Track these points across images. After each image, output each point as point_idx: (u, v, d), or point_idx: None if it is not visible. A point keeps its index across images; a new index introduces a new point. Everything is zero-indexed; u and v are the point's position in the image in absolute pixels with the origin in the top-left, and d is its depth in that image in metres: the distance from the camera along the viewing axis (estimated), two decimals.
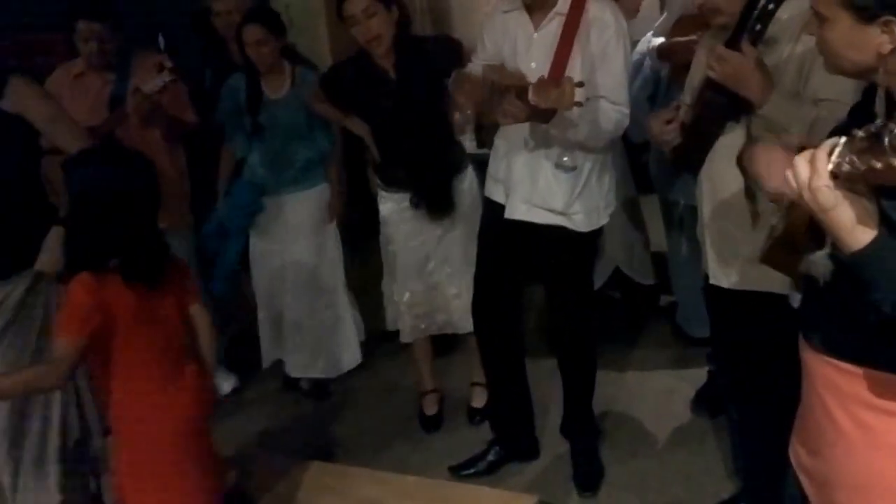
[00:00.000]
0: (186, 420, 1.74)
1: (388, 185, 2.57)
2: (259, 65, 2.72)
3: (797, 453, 1.35)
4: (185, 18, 3.88)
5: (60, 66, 2.81)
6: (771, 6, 1.62)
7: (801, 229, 1.16)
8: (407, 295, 2.60)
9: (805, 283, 1.27)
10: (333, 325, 2.92)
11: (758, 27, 1.63)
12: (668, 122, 1.83)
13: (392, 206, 2.57)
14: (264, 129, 2.76)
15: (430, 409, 2.76)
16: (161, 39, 2.67)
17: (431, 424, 2.72)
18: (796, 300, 1.42)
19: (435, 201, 2.48)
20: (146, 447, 1.72)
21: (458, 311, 2.59)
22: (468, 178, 2.58)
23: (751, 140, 1.67)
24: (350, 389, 3.05)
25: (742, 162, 1.46)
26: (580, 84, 1.82)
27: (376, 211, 2.70)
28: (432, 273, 2.58)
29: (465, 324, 2.57)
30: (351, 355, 2.96)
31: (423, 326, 2.64)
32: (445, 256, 2.57)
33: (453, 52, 2.37)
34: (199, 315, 1.83)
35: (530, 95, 1.82)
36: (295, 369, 2.96)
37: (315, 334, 2.90)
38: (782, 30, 1.65)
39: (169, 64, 2.52)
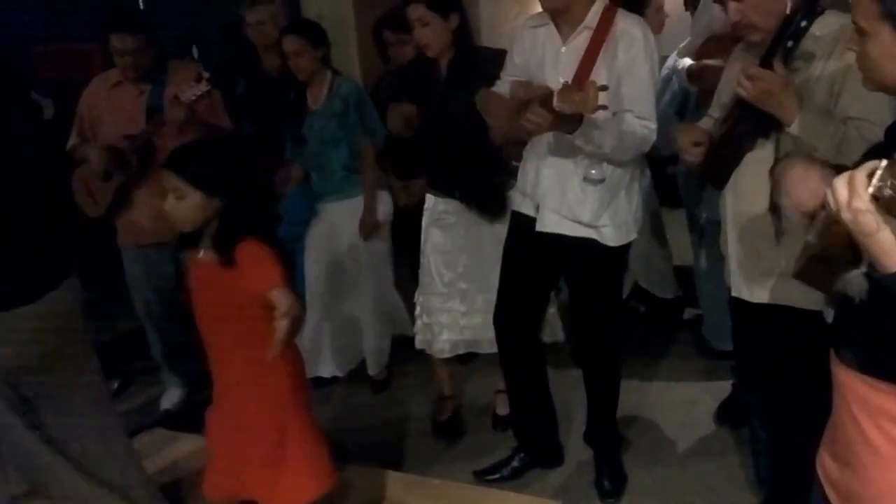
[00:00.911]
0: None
1: (432, 187, 2.61)
2: (298, 74, 2.79)
3: (825, 466, 1.35)
4: (217, 29, 3.98)
5: (97, 77, 2.90)
6: (804, 23, 1.63)
7: (837, 247, 1.15)
8: (421, 298, 2.64)
9: (839, 300, 1.26)
10: (377, 325, 3.02)
11: (790, 44, 1.64)
12: (696, 144, 1.84)
13: (435, 206, 2.59)
14: (306, 140, 2.85)
15: (443, 414, 2.79)
16: (195, 49, 2.75)
17: (443, 430, 2.75)
18: (830, 315, 1.41)
19: (486, 203, 2.49)
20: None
21: (463, 330, 2.61)
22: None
23: (781, 155, 1.69)
24: (379, 394, 3.12)
25: (774, 175, 1.46)
26: (604, 87, 1.81)
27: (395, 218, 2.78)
28: (450, 282, 2.59)
29: (475, 343, 2.61)
30: (381, 356, 3.07)
31: (443, 338, 2.63)
32: (469, 270, 2.57)
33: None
34: (276, 298, 1.75)
35: (555, 101, 1.82)
36: (336, 367, 3.06)
37: (351, 333, 3.00)
38: (815, 46, 1.66)
39: (206, 74, 2.62)
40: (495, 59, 2.39)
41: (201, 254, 1.80)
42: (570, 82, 1.91)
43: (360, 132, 2.86)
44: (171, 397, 3.14)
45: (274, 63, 3.04)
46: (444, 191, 2.54)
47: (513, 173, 2.52)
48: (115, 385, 3.39)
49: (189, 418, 2.71)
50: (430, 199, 2.62)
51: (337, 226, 2.95)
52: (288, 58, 2.77)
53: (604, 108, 1.82)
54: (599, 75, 2.02)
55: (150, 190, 2.76)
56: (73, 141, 2.89)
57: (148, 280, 2.93)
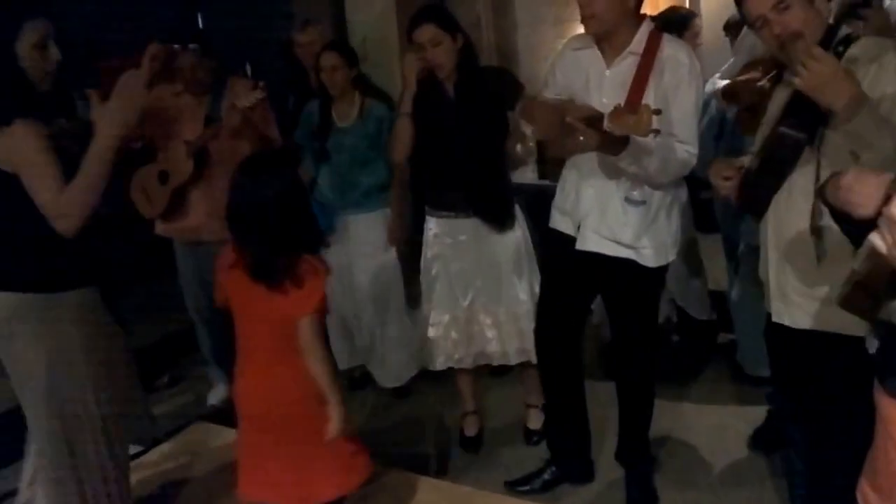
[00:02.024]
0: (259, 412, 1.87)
1: (436, 208, 2.62)
2: (331, 89, 2.91)
3: (866, 498, 1.34)
4: (268, 48, 4.15)
5: (162, 84, 3.02)
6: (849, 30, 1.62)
7: (883, 277, 1.13)
8: (446, 317, 2.62)
9: (884, 328, 1.25)
10: (394, 338, 3.07)
11: (840, 48, 1.63)
12: (727, 178, 1.84)
13: (437, 229, 2.60)
14: (329, 154, 2.94)
15: (471, 430, 2.80)
16: (248, 67, 2.89)
17: (471, 445, 2.76)
18: (873, 345, 1.39)
19: (499, 216, 2.52)
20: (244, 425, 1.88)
21: (492, 341, 2.61)
22: (519, 216, 2.59)
23: (822, 177, 1.68)
24: (412, 398, 3.17)
25: (819, 194, 1.45)
26: (657, 111, 1.81)
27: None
28: (471, 301, 2.60)
29: (502, 356, 2.62)
30: (409, 367, 3.11)
31: (456, 356, 2.65)
32: (484, 285, 2.58)
33: (511, 84, 2.45)
34: (303, 328, 1.81)
35: (606, 122, 1.82)
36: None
37: (377, 345, 3.06)
38: (863, 52, 1.64)
39: (261, 83, 2.75)
40: (500, 78, 2.46)
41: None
42: (621, 105, 1.91)
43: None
44: (217, 394, 3.24)
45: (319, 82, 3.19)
46: (456, 210, 2.55)
47: (534, 191, 2.61)
48: (166, 379, 3.54)
49: (233, 414, 2.82)
50: (433, 222, 2.61)
51: (355, 238, 3.01)
52: (323, 72, 2.89)
53: (656, 132, 1.82)
54: (647, 99, 2.02)
55: (204, 192, 2.93)
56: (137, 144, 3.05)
57: (199, 278, 3.05)
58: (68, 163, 1.89)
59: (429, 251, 2.63)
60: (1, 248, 1.93)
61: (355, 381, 3.27)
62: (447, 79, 2.47)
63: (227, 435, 2.70)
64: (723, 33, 3.35)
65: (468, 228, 2.55)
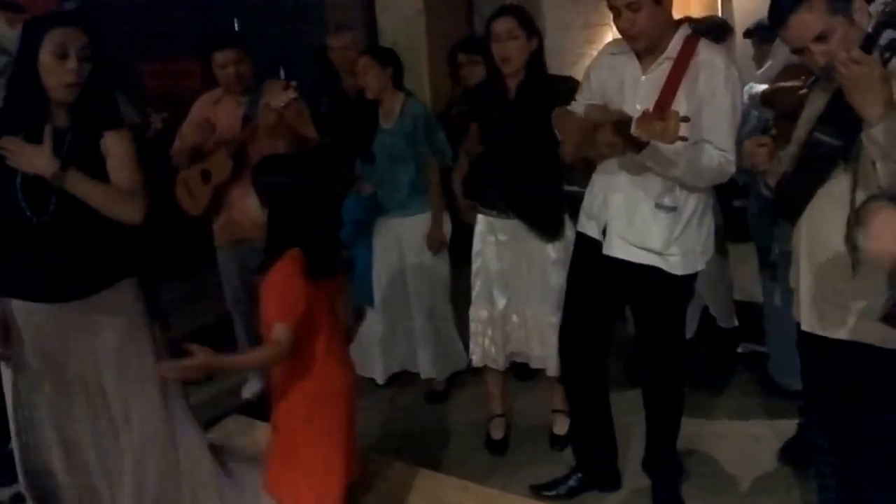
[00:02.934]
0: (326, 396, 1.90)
1: (482, 205, 2.64)
2: (367, 92, 2.98)
3: None
4: (302, 52, 4.22)
5: (204, 95, 3.16)
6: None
7: None
8: (485, 314, 2.66)
9: None
10: (440, 334, 3.13)
11: (886, 55, 1.60)
12: (760, 145, 1.82)
13: (482, 226, 2.63)
14: (374, 155, 3.00)
15: (497, 433, 2.80)
16: (282, 71, 2.97)
17: (497, 448, 2.76)
18: None
19: (544, 223, 2.52)
20: (334, 403, 1.91)
21: (521, 342, 2.63)
22: (568, 224, 2.57)
23: (858, 187, 1.66)
24: (442, 401, 3.20)
25: (858, 216, 1.45)
26: (685, 119, 1.80)
27: (462, 236, 2.84)
28: (510, 299, 2.62)
29: (530, 356, 2.63)
30: (460, 359, 3.17)
31: (493, 352, 2.67)
32: (521, 288, 2.59)
33: (574, 92, 2.39)
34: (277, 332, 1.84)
35: (633, 128, 1.81)
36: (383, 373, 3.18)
37: (435, 339, 3.12)
38: None
39: (294, 83, 2.82)
40: (565, 88, 2.44)
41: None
42: (650, 110, 1.90)
43: (426, 151, 2.99)
44: (251, 387, 3.30)
45: (352, 85, 3.24)
46: (499, 210, 2.57)
47: (569, 197, 2.57)
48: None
49: (267, 408, 2.87)
50: (482, 220, 2.65)
51: (401, 240, 3.07)
52: (359, 75, 2.97)
53: (684, 139, 1.81)
54: (679, 104, 2.01)
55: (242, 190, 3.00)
56: (177, 144, 3.13)
57: (238, 274, 3.13)
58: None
59: (475, 247, 2.67)
60: None
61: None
62: (512, 77, 2.48)
63: (260, 428, 2.72)
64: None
65: (509, 229, 2.57)
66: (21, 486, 2.09)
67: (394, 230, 3.09)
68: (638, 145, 1.92)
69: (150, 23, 4.54)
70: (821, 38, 1.64)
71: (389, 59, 3.02)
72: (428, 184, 3.03)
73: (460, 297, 3.30)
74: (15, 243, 1.95)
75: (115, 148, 1.99)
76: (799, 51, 1.71)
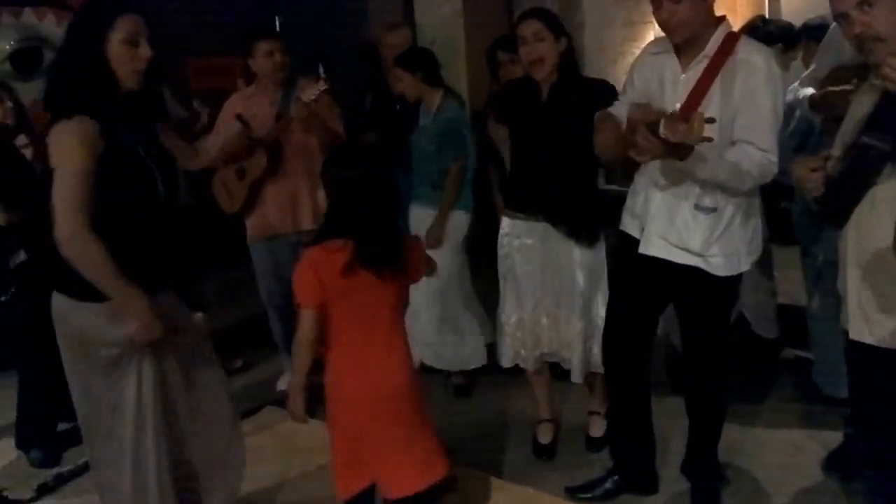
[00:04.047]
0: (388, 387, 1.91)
1: (509, 207, 2.61)
2: (408, 97, 3.07)
3: None
4: (343, 50, 4.26)
5: (237, 92, 3.21)
6: None
7: None
8: (514, 317, 2.63)
9: None
10: (463, 327, 3.14)
11: None
12: (814, 170, 1.78)
13: (508, 228, 2.60)
14: (410, 149, 3.07)
15: (545, 437, 2.77)
16: (321, 67, 3.01)
17: (544, 453, 2.73)
18: None
19: (576, 227, 2.49)
20: (346, 408, 1.91)
21: (552, 344, 2.59)
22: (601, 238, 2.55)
23: None
24: (479, 395, 3.20)
25: None
26: (709, 120, 1.76)
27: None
28: (538, 302, 2.58)
29: (560, 357, 2.60)
30: (478, 356, 3.18)
31: (523, 353, 2.64)
32: (554, 288, 2.55)
33: (609, 96, 2.37)
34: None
35: (661, 129, 1.79)
36: (426, 359, 3.18)
37: (444, 331, 3.12)
38: None
39: (324, 76, 2.91)
40: (599, 90, 2.42)
41: None
42: (676, 112, 1.88)
43: (450, 155, 3.01)
44: (286, 380, 3.31)
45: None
46: (527, 211, 2.54)
47: (603, 201, 2.57)
48: (239, 364, 3.70)
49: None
50: (507, 222, 2.62)
51: (420, 231, 3.09)
52: (395, 85, 3.08)
53: (708, 139, 1.78)
54: (712, 104, 1.98)
55: (279, 186, 3.05)
56: (211, 139, 3.18)
57: (273, 269, 3.17)
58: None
59: (501, 250, 2.65)
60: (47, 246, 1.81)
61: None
62: (544, 81, 2.46)
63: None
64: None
65: (537, 232, 2.54)
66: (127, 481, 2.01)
67: (416, 221, 3.15)
68: (680, 151, 1.87)
69: (194, 20, 4.63)
70: (863, 5, 1.61)
71: (418, 64, 3.06)
72: (446, 182, 3.05)
73: (490, 295, 3.30)
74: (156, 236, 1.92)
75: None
76: (839, 16, 1.68)
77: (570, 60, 2.47)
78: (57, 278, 1.85)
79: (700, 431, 2.35)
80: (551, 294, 2.56)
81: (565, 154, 2.42)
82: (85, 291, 1.79)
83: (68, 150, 1.75)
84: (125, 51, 1.82)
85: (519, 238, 2.58)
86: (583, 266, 2.50)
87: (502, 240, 2.64)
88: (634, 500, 2.43)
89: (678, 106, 2.01)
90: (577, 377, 2.58)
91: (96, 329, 1.85)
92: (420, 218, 3.14)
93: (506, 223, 2.62)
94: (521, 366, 2.69)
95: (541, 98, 2.47)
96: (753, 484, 2.50)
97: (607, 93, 2.40)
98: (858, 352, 1.82)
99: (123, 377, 1.91)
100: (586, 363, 2.57)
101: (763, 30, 3.01)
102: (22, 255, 2.82)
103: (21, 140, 2.96)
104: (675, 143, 1.80)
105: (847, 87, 2.32)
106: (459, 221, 3.11)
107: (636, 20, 4.57)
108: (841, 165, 1.77)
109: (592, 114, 2.27)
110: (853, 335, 1.84)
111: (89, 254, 1.74)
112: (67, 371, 1.96)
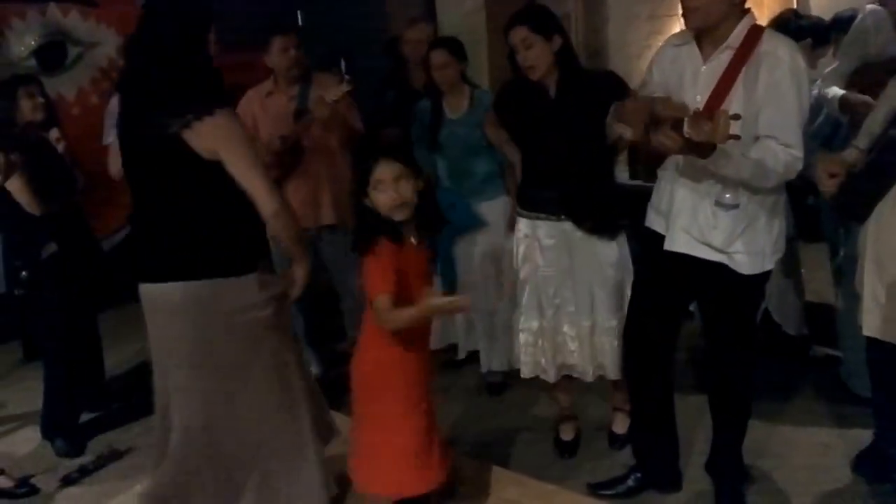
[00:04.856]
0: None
1: (529, 209, 2.55)
2: (442, 85, 2.97)
3: None
4: (364, 46, 4.26)
5: (253, 89, 3.19)
6: None
7: None
8: (535, 324, 2.55)
9: None
10: (504, 323, 3.04)
11: None
12: (833, 175, 1.75)
13: (526, 230, 2.53)
14: (442, 146, 3.00)
15: (567, 434, 2.75)
16: (343, 63, 3.00)
17: (566, 450, 2.71)
18: None
19: (598, 222, 2.45)
20: (381, 394, 1.96)
21: (573, 354, 2.54)
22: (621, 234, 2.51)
23: None
24: (502, 393, 3.19)
25: None
26: (735, 117, 1.73)
27: None
28: (557, 310, 2.52)
29: (582, 371, 2.55)
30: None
31: (543, 363, 2.58)
32: (573, 294, 2.50)
33: (617, 88, 2.35)
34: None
35: (685, 128, 1.76)
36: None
37: (492, 332, 3.10)
38: None
39: (347, 77, 2.89)
40: (605, 82, 2.39)
41: (409, 236, 1.96)
42: (700, 108, 1.84)
43: None
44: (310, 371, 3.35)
45: (420, 78, 3.24)
46: (547, 212, 2.49)
47: (622, 194, 2.52)
48: None
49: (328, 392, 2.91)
50: (524, 223, 2.55)
51: (475, 225, 3.06)
52: (435, 69, 2.94)
53: (736, 137, 1.75)
54: (736, 99, 1.94)
55: (299, 183, 3.05)
56: None
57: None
58: None
59: (518, 253, 2.58)
60: (195, 236, 1.95)
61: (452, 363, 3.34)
62: (546, 78, 2.42)
63: None
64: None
65: (557, 232, 2.48)
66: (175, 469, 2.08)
67: (489, 213, 3.06)
68: (703, 150, 1.84)
69: (215, 15, 4.65)
70: None
71: (463, 54, 3.02)
72: (505, 169, 3.01)
73: None
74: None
75: None
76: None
77: (567, 56, 2.41)
78: (216, 263, 1.95)
79: (724, 429, 2.32)
80: (575, 297, 2.50)
81: (579, 150, 2.38)
82: (246, 265, 1.98)
83: (239, 135, 1.92)
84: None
85: (539, 239, 2.52)
86: (610, 261, 2.47)
87: (520, 241, 2.57)
88: (657, 498, 2.41)
89: (698, 98, 1.98)
90: (613, 374, 2.54)
91: (253, 296, 1.99)
92: (478, 212, 3.05)
93: (523, 224, 2.55)
94: (542, 377, 2.61)
95: (548, 96, 2.43)
96: (779, 484, 2.46)
97: (615, 85, 2.37)
98: (879, 349, 1.78)
99: (270, 338, 2.06)
100: (600, 366, 2.54)
101: (794, 24, 2.95)
102: (53, 247, 2.86)
103: (53, 133, 2.98)
104: (698, 141, 1.76)
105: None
106: (499, 210, 3.06)
107: (661, 14, 4.53)
108: (867, 157, 1.73)
109: (602, 107, 2.24)
110: (866, 331, 1.81)
111: (292, 221, 2.00)
112: (215, 353, 2.00)
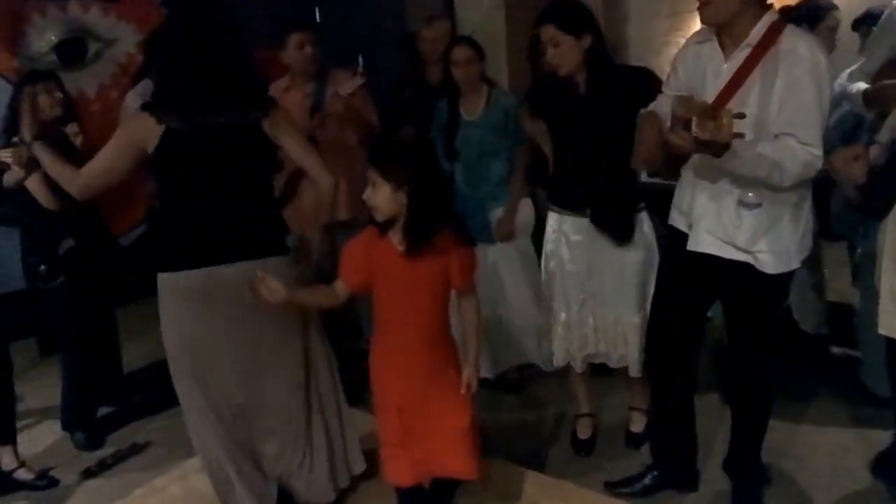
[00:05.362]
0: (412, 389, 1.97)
1: (557, 204, 2.57)
2: (463, 83, 2.89)
3: None
4: (381, 43, 4.25)
5: (272, 85, 3.15)
6: None
7: None
8: (562, 316, 2.60)
9: None
10: (524, 324, 3.07)
11: None
12: (856, 158, 1.72)
13: (555, 224, 2.57)
14: (459, 150, 2.93)
15: (584, 432, 2.74)
16: (360, 60, 2.99)
17: (583, 448, 2.70)
18: None
19: (616, 225, 2.45)
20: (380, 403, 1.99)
21: (600, 344, 2.56)
22: (645, 220, 2.50)
23: None
24: (523, 388, 3.17)
25: None
26: (740, 115, 1.72)
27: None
28: (585, 301, 2.55)
29: (605, 357, 2.56)
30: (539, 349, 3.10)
31: (572, 352, 2.61)
32: (601, 288, 2.51)
33: (650, 85, 2.32)
34: (465, 306, 2.02)
35: (693, 127, 1.74)
36: (495, 365, 3.13)
37: (509, 330, 3.06)
38: None
39: (361, 70, 2.89)
40: (640, 80, 2.36)
41: (394, 240, 1.90)
42: (707, 107, 1.82)
43: (518, 142, 2.93)
44: None
45: (437, 76, 3.21)
46: (573, 209, 2.50)
47: (642, 196, 2.51)
48: None
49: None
50: (554, 217, 2.58)
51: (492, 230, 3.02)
52: (458, 65, 2.87)
53: (740, 135, 1.74)
54: (751, 96, 1.92)
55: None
56: None
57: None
58: None
59: (547, 247, 2.61)
60: (264, 217, 2.15)
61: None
62: (576, 75, 2.40)
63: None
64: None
65: (584, 228, 2.49)
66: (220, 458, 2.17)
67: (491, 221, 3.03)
68: (714, 149, 1.81)
69: (234, 12, 4.68)
70: None
71: (482, 53, 2.96)
72: (514, 172, 2.97)
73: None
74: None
75: None
76: None
77: (597, 54, 2.37)
78: (274, 244, 2.16)
79: (743, 429, 2.30)
80: (600, 292, 2.51)
81: (607, 148, 2.37)
82: (286, 246, 2.20)
83: (295, 123, 2.29)
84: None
85: (566, 235, 2.54)
86: (633, 258, 2.46)
87: (549, 236, 2.60)
88: (674, 497, 2.40)
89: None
90: (635, 371, 2.54)
91: (290, 273, 2.15)
92: (494, 217, 3.00)
93: (553, 219, 2.59)
94: (572, 365, 2.64)
95: (578, 92, 2.42)
96: (798, 485, 2.44)
97: (648, 82, 2.34)
98: (893, 348, 1.75)
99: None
100: (623, 358, 2.55)
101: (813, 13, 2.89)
102: (70, 242, 2.89)
103: (71, 128, 3.00)
104: (705, 140, 1.75)
105: None
106: (528, 212, 3.04)
107: (681, 10, 4.48)
108: (889, 153, 1.70)
109: (633, 105, 2.22)
110: (881, 329, 1.78)
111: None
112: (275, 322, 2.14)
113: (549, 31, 2.33)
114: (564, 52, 2.33)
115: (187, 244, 2.06)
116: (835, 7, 2.96)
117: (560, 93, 2.46)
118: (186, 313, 2.05)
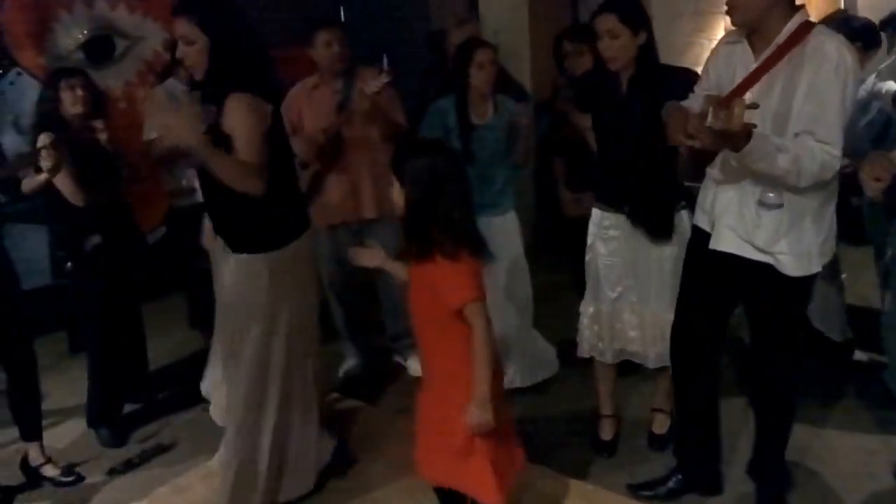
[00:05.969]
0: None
1: (599, 199, 2.57)
2: (485, 86, 2.87)
3: None
4: (405, 43, 4.25)
5: (300, 82, 3.21)
6: None
7: None
8: (591, 309, 2.61)
9: None
10: (528, 337, 3.07)
11: None
12: (878, 179, 1.71)
13: (598, 219, 2.57)
14: (474, 154, 2.89)
15: (606, 434, 2.73)
16: (385, 58, 3.00)
17: (605, 449, 2.70)
18: None
19: (654, 222, 2.45)
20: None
21: (632, 342, 2.55)
22: (685, 218, 2.47)
23: None
24: (543, 390, 3.15)
25: None
26: (753, 105, 1.70)
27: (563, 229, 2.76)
28: (619, 295, 2.55)
29: (642, 357, 2.55)
30: (548, 365, 3.14)
31: (600, 346, 2.61)
32: (636, 284, 2.52)
33: (689, 85, 2.28)
34: (471, 315, 1.80)
35: (708, 118, 1.73)
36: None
37: (513, 345, 3.03)
38: None
39: (387, 68, 2.88)
40: (681, 80, 2.34)
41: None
42: (720, 98, 1.82)
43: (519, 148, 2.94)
44: (347, 366, 3.39)
45: None
46: (613, 205, 2.51)
47: (684, 195, 2.48)
48: None
49: (361, 388, 2.96)
50: (596, 213, 2.60)
51: (490, 241, 2.98)
52: (483, 68, 2.83)
53: (752, 126, 1.73)
54: (774, 91, 1.92)
55: (340, 176, 3.08)
56: None
57: (335, 256, 3.20)
58: None
59: (588, 239, 2.62)
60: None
61: None
62: (622, 72, 2.40)
63: (350, 404, 2.84)
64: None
65: (621, 224, 2.50)
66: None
67: (484, 230, 2.99)
68: (731, 141, 1.81)
69: (260, 11, 4.70)
70: None
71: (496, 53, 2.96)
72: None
73: (560, 290, 3.24)
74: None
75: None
76: None
77: (648, 53, 2.38)
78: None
79: (767, 432, 2.29)
80: (638, 288, 2.52)
81: (645, 146, 2.36)
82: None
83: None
84: None
85: (606, 230, 2.55)
86: (669, 258, 2.46)
87: (591, 229, 2.61)
88: (698, 500, 2.39)
89: (748, 96, 1.93)
90: (653, 363, 2.55)
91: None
92: (488, 227, 2.83)
93: (596, 214, 2.59)
94: (598, 358, 2.64)
95: (620, 90, 2.42)
96: (822, 489, 2.43)
97: (689, 82, 2.31)
98: None
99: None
100: (660, 357, 2.53)
101: (845, 27, 2.86)
102: (97, 238, 2.91)
103: (97, 124, 3.00)
104: (719, 130, 1.75)
105: None
106: (514, 222, 3.04)
107: (705, 10, 4.46)
108: None
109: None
110: None
111: None
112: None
113: (609, 21, 2.31)
114: (621, 45, 2.32)
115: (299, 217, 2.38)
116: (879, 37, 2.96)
117: (602, 89, 2.46)
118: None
